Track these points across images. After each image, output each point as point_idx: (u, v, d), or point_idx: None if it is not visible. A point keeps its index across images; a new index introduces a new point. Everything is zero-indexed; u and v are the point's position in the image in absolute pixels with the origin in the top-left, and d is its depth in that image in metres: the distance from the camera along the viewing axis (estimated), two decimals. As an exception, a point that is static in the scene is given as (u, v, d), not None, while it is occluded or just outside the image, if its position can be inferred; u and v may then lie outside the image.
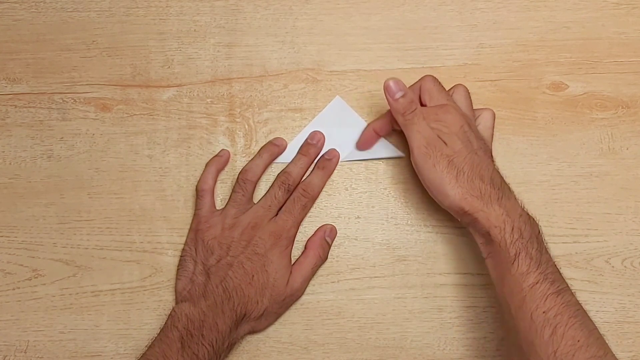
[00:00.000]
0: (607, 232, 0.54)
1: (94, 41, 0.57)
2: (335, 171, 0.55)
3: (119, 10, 0.57)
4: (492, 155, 0.50)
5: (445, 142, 0.47)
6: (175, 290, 0.52)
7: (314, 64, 0.57)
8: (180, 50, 0.57)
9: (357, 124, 0.55)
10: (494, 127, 0.52)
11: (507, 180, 0.54)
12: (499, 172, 0.48)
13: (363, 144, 0.54)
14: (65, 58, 0.57)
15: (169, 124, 0.56)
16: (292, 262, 0.52)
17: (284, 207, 0.52)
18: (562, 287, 0.43)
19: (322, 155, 0.55)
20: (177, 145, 0.55)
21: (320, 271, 0.53)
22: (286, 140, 0.55)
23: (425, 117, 0.48)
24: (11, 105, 0.56)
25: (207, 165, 0.54)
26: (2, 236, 0.54)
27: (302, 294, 0.52)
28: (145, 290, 0.53)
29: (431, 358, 0.52)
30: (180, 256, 0.52)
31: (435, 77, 0.51)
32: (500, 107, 0.56)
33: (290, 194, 0.53)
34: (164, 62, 0.57)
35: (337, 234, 0.54)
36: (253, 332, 0.51)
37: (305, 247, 0.53)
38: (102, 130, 0.56)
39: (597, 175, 0.55)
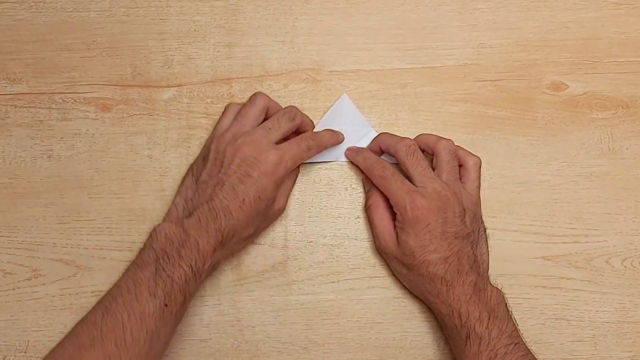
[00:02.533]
0: (607, 232, 0.54)
1: (94, 41, 0.57)
2: (335, 171, 0.55)
3: (119, 10, 0.57)
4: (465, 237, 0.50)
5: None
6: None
7: (314, 64, 0.57)
8: (180, 50, 0.57)
9: (360, 124, 0.55)
10: (480, 179, 0.52)
11: (507, 180, 0.55)
12: (458, 256, 0.48)
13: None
14: (66, 58, 0.57)
15: (169, 124, 0.56)
16: None
17: (290, 140, 0.51)
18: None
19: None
20: (177, 145, 0.55)
21: (320, 271, 0.53)
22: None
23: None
24: (11, 105, 0.56)
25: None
26: (2, 236, 0.54)
27: (283, 211, 0.53)
28: (145, 290, 0.53)
29: (431, 358, 0.52)
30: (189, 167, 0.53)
31: (453, 148, 0.51)
32: (500, 107, 0.56)
33: (293, 130, 0.52)
34: (164, 62, 0.57)
35: (337, 234, 0.54)
36: (243, 248, 0.52)
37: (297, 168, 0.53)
38: (102, 130, 0.56)
39: (597, 175, 0.55)
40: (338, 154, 0.55)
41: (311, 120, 0.54)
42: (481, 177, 0.53)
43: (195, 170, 0.51)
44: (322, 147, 0.53)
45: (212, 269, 0.48)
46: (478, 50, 0.57)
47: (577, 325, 0.53)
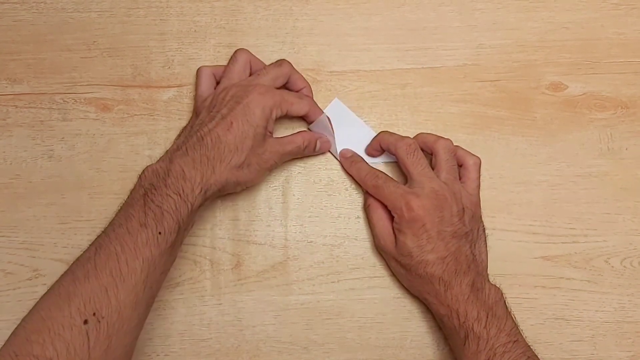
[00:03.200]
0: (606, 232, 0.54)
1: (94, 42, 0.57)
2: (335, 171, 0.55)
3: (120, 10, 0.57)
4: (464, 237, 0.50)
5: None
6: None
7: (314, 64, 0.57)
8: (180, 50, 0.57)
9: (356, 125, 0.56)
10: (479, 179, 0.52)
11: (507, 180, 0.55)
12: (455, 256, 0.49)
13: (370, 152, 0.55)
14: (66, 58, 0.57)
15: (170, 124, 0.56)
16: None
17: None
18: (512, 358, 0.45)
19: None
20: (178, 145, 0.55)
21: (320, 271, 0.54)
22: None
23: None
24: (12, 106, 0.56)
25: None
26: (2, 236, 0.54)
27: (274, 165, 0.52)
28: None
29: (431, 358, 0.52)
30: None
31: (451, 148, 0.51)
32: (500, 107, 0.56)
33: (281, 77, 0.52)
34: (164, 62, 0.57)
35: (337, 234, 0.54)
36: (238, 184, 0.49)
37: (295, 133, 0.53)
38: (102, 130, 0.56)
39: (597, 175, 0.55)
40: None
41: (307, 82, 0.54)
42: (481, 177, 0.54)
43: (187, 124, 0.51)
44: (315, 108, 0.53)
45: (205, 197, 0.46)
46: (478, 50, 0.57)
47: (577, 325, 0.53)
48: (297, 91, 0.53)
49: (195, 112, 0.52)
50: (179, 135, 0.51)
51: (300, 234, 0.54)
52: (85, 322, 0.39)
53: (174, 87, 0.56)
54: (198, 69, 0.54)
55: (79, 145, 0.55)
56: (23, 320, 0.41)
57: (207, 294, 0.53)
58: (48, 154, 0.55)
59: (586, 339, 0.53)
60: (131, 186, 0.54)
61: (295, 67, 0.56)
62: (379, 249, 0.53)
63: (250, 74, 0.53)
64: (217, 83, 0.53)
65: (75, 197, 0.54)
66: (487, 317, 0.46)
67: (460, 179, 0.52)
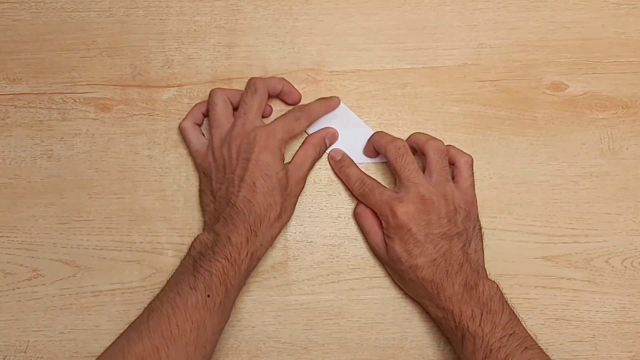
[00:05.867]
0: (607, 232, 0.54)
1: (94, 41, 0.57)
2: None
3: (119, 10, 0.57)
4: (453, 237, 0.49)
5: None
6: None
7: (314, 64, 0.57)
8: (180, 50, 0.57)
9: (356, 125, 0.55)
10: (473, 177, 0.52)
11: (507, 180, 0.55)
12: (445, 257, 0.48)
13: (367, 152, 0.55)
14: (65, 58, 0.57)
15: (169, 124, 0.56)
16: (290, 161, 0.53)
17: (278, 117, 0.52)
18: (508, 352, 0.45)
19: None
20: (177, 145, 0.55)
21: (320, 271, 0.54)
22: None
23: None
24: (11, 105, 0.56)
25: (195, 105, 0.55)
26: (2, 236, 0.54)
27: (303, 186, 0.53)
28: (145, 290, 0.53)
29: (431, 358, 0.52)
30: (199, 190, 0.54)
31: (442, 149, 0.51)
32: (500, 107, 0.56)
33: (265, 101, 0.52)
34: (164, 62, 0.57)
35: (337, 234, 0.54)
36: (282, 228, 0.51)
37: (303, 143, 0.54)
38: (102, 130, 0.56)
39: (597, 175, 0.55)
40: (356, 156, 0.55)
41: (281, 79, 0.54)
42: (481, 177, 0.54)
43: (205, 187, 0.52)
44: (313, 116, 0.53)
45: (252, 258, 0.48)
46: (478, 50, 0.57)
47: (577, 326, 0.53)
48: (279, 92, 0.54)
49: (202, 171, 0.52)
50: (201, 199, 0.52)
51: (300, 234, 0.54)
52: None
53: (173, 86, 0.56)
54: (179, 126, 0.54)
55: (79, 145, 0.55)
56: None
57: (206, 294, 0.53)
58: (47, 154, 0.55)
59: (587, 340, 0.53)
60: (130, 186, 0.54)
61: (295, 67, 0.56)
62: (374, 255, 0.53)
63: (232, 106, 0.53)
64: (202, 122, 0.54)
65: (74, 197, 0.54)
66: (482, 314, 0.46)
67: (453, 178, 0.52)
